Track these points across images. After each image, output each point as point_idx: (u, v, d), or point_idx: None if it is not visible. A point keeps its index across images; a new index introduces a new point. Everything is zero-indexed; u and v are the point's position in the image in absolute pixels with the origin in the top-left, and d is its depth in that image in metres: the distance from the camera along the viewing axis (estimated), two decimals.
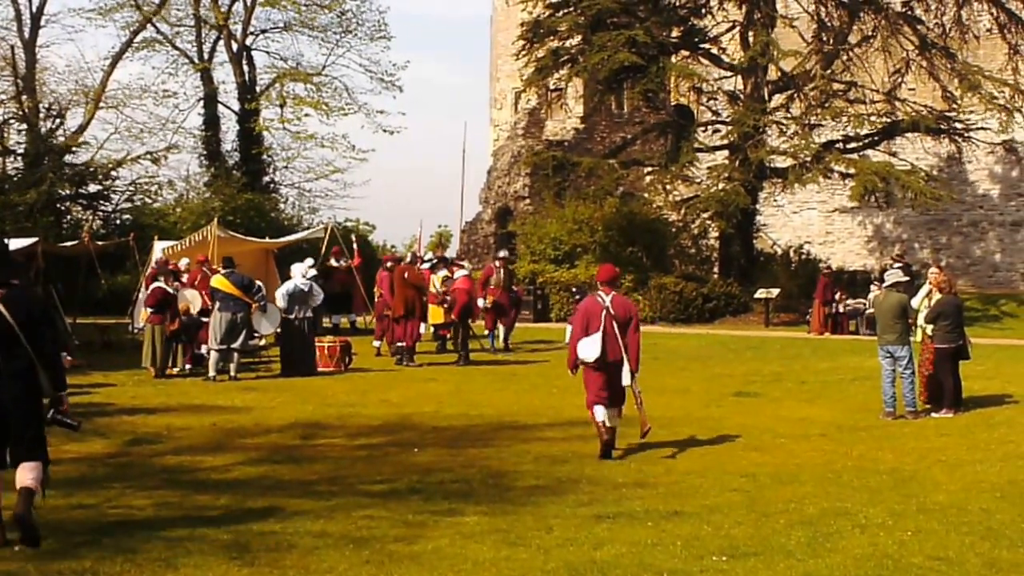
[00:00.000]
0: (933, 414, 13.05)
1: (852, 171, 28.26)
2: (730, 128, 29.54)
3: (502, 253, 23.26)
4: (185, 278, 18.81)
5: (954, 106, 29.39)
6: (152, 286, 17.25)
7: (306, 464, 9.91)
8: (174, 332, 17.19)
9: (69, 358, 17.64)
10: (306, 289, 17.54)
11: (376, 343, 20.35)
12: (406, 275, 18.74)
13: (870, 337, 18.17)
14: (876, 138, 29.53)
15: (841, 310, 26.39)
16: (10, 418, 6.84)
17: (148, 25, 37.25)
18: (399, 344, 18.57)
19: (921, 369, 13.52)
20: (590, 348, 10.42)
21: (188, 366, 17.51)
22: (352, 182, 45.42)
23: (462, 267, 20.91)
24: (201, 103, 37.93)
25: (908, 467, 9.81)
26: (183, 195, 36.52)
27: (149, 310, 16.98)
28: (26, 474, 6.84)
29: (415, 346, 18.57)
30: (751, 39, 29.14)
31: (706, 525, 7.60)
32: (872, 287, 25.45)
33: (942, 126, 29.09)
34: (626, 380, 10.50)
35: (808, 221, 37.00)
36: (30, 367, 6.90)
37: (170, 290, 17.25)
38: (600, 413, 10.43)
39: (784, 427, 12.04)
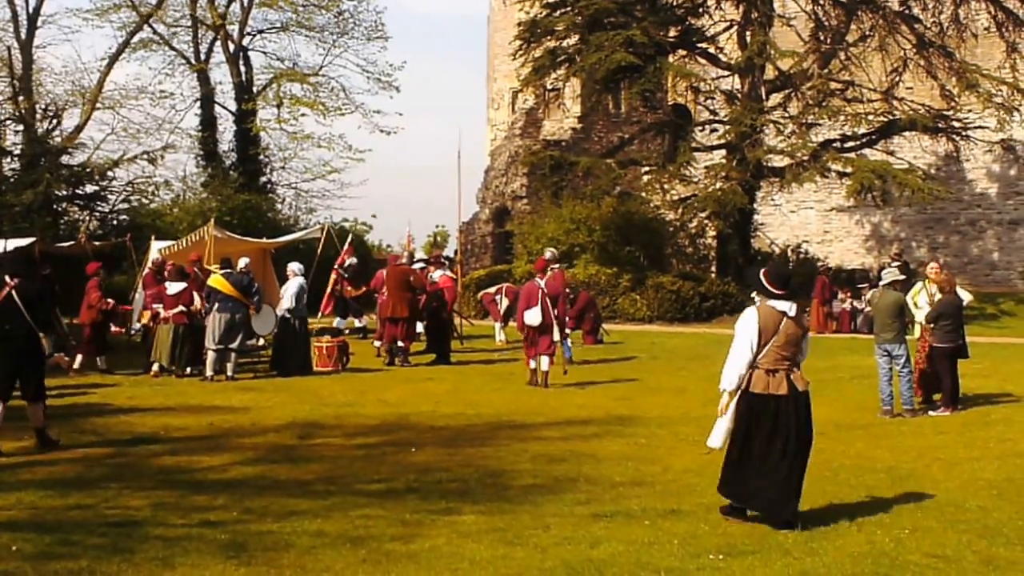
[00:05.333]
0: (931, 412, 13.07)
1: (849, 170, 28.27)
2: (727, 128, 29.54)
3: (548, 254, 20.95)
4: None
5: (952, 105, 29.41)
6: (180, 285, 17.11)
7: (303, 464, 9.89)
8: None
9: (66, 358, 17.77)
10: (306, 287, 17.73)
11: (377, 343, 20.35)
12: (411, 278, 18.73)
13: (867, 336, 18.17)
14: (874, 137, 29.55)
15: (846, 307, 26.35)
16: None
17: (145, 26, 37.20)
18: (395, 344, 18.54)
19: (916, 365, 13.54)
20: (533, 317, 15.09)
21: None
22: (349, 182, 45.42)
23: (443, 265, 21.17)
24: (198, 103, 37.91)
25: (905, 465, 9.81)
26: (180, 195, 36.42)
27: (180, 308, 16.89)
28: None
29: (409, 346, 18.62)
30: (748, 39, 29.14)
31: (703, 523, 7.59)
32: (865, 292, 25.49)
33: (940, 125, 29.10)
34: (556, 337, 15.29)
35: (806, 220, 37.02)
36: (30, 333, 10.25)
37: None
38: (538, 362, 15.23)
39: None
